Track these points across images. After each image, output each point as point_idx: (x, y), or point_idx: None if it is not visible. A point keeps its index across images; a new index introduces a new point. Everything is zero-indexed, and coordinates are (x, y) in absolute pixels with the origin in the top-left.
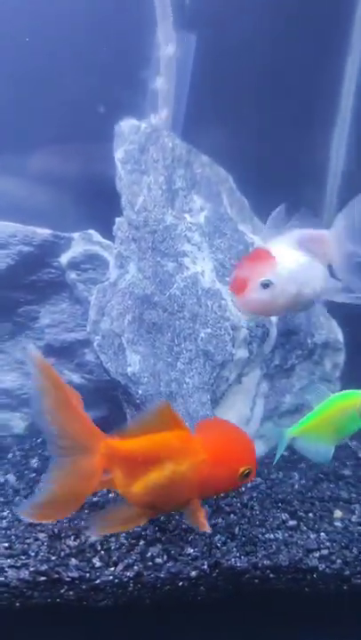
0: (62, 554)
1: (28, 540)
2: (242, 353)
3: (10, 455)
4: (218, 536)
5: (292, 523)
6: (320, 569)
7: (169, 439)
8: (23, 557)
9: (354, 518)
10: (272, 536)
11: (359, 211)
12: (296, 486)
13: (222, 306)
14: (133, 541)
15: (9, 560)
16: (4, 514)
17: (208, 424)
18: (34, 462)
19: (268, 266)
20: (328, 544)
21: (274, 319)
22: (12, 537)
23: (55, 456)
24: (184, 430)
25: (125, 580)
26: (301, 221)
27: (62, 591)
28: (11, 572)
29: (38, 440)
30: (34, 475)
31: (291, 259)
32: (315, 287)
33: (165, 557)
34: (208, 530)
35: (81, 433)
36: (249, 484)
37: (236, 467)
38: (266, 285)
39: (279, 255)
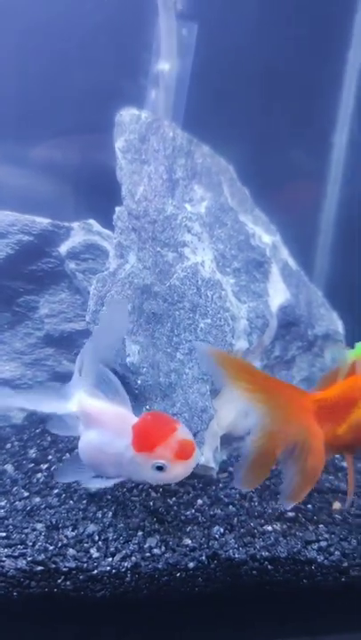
0: (60, 544)
1: (25, 530)
2: (242, 344)
3: (8, 445)
4: (216, 527)
5: (290, 514)
6: (318, 561)
7: (358, 381)
8: (20, 547)
9: (352, 510)
10: (270, 528)
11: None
12: None
13: (222, 296)
14: (131, 532)
15: (6, 549)
16: (2, 503)
17: None
18: (32, 452)
19: None
20: (327, 536)
21: (274, 310)
22: (10, 527)
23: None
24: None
25: (123, 570)
26: None
27: (59, 581)
28: (8, 562)
29: (37, 430)
30: (32, 465)
31: None
32: None
33: (163, 548)
34: None
35: (291, 396)
36: None
37: None
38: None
39: None
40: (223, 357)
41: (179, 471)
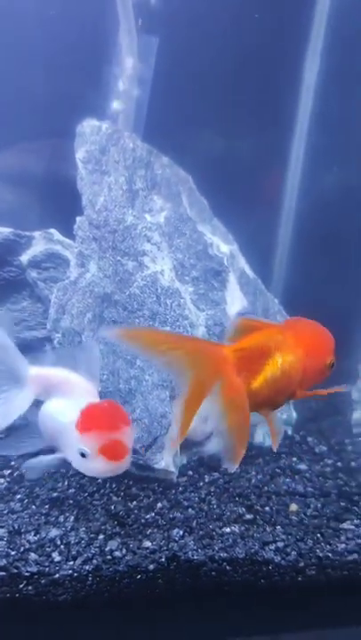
0: (22, 549)
1: None
2: None
3: None
4: (176, 530)
5: (248, 516)
6: (276, 561)
7: (274, 334)
8: None
9: (309, 512)
10: (229, 529)
11: None
12: (253, 481)
13: (181, 304)
14: (93, 535)
15: None
16: None
17: (294, 322)
18: None
19: None
20: (283, 537)
21: (232, 316)
22: None
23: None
24: (278, 327)
25: (84, 573)
26: None
27: (21, 586)
28: None
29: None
30: None
31: None
32: None
33: (124, 551)
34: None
35: (206, 351)
36: (207, 479)
37: (326, 358)
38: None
39: None
40: (131, 332)
41: (98, 466)
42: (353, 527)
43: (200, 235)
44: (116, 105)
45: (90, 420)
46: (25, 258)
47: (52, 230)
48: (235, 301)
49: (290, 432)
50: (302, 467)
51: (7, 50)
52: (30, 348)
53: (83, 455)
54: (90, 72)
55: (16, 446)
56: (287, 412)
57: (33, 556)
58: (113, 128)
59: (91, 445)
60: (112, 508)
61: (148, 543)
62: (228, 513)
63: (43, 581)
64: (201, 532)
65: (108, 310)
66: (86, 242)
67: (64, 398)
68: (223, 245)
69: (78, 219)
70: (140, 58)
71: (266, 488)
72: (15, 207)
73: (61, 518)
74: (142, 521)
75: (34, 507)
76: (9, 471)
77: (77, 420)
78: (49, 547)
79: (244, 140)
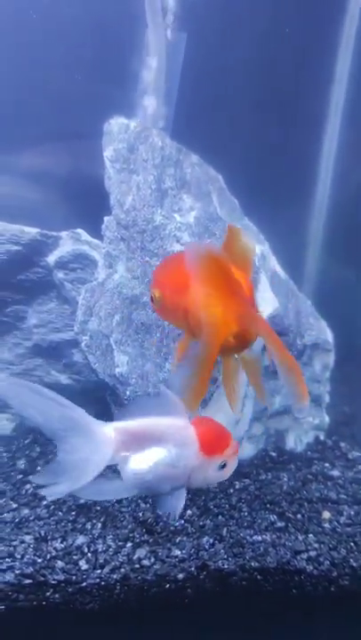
0: (48, 556)
1: (14, 543)
2: None
3: None
4: (206, 538)
5: (280, 524)
6: (308, 570)
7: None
8: (9, 560)
9: (342, 520)
10: (260, 538)
11: None
12: (285, 487)
13: None
14: (120, 543)
15: None
16: None
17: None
18: (21, 464)
19: None
20: (316, 545)
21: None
22: None
23: None
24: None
25: (112, 582)
26: None
27: (48, 594)
28: None
29: (26, 441)
30: (21, 476)
31: None
32: None
33: (153, 559)
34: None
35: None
36: (237, 486)
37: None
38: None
39: None
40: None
41: (233, 466)
42: None
43: None
44: (144, 102)
45: (217, 439)
46: (52, 258)
47: (80, 230)
48: (266, 303)
49: (322, 437)
50: (335, 473)
51: (34, 47)
52: (57, 351)
53: (223, 466)
54: (117, 69)
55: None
56: (320, 417)
57: (60, 563)
58: (141, 126)
59: (228, 455)
60: (140, 515)
61: (177, 551)
62: (260, 520)
63: (70, 589)
64: (231, 541)
65: (137, 312)
66: (114, 242)
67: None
68: (255, 245)
69: (106, 219)
70: (169, 54)
71: (298, 495)
72: (42, 207)
73: (88, 525)
74: (171, 528)
75: (60, 513)
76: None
77: (206, 448)
78: (76, 554)
79: (274, 137)
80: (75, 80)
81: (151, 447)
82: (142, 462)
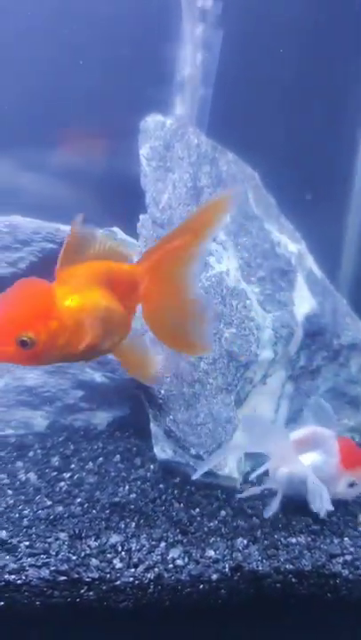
0: (83, 554)
1: (48, 539)
2: (267, 354)
3: (31, 453)
4: (240, 539)
5: (315, 527)
6: (344, 574)
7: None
8: (44, 556)
9: None
10: (295, 540)
11: None
12: None
13: (247, 305)
14: (154, 543)
15: (30, 559)
16: (25, 512)
17: None
18: (55, 461)
19: None
20: (352, 549)
21: (300, 319)
22: (33, 535)
23: None
24: None
25: (146, 581)
26: None
27: (82, 591)
28: (31, 571)
29: (60, 438)
30: (55, 473)
31: None
32: None
33: (186, 559)
34: None
35: None
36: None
37: None
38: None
39: None
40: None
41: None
42: None
43: (267, 233)
44: (179, 99)
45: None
46: None
47: (115, 229)
48: (303, 302)
49: (358, 439)
50: None
51: (68, 46)
52: None
53: (351, 485)
54: (153, 66)
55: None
56: (356, 419)
57: (94, 561)
58: (177, 123)
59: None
60: (174, 514)
61: (211, 552)
62: (294, 522)
63: (104, 587)
64: (266, 542)
65: None
66: (150, 241)
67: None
68: (291, 244)
69: (142, 217)
70: (205, 51)
71: (333, 497)
72: (77, 205)
73: (122, 524)
74: (205, 529)
75: (94, 511)
76: (69, 474)
77: (346, 461)
78: (110, 553)
79: (311, 135)
80: (111, 78)
81: (308, 452)
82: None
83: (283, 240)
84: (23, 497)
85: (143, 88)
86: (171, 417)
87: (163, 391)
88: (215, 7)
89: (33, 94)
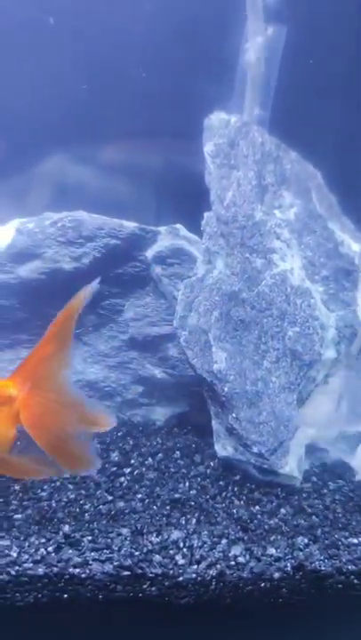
0: (145, 549)
1: (110, 535)
2: (330, 353)
3: None
4: (300, 537)
5: None
6: None
7: None
8: (107, 551)
9: None
10: (356, 540)
11: None
12: None
13: (311, 304)
14: (215, 540)
15: (93, 553)
16: (87, 507)
17: None
18: (114, 456)
19: None
20: None
21: None
22: (95, 530)
23: None
24: None
25: (208, 578)
26: None
27: (145, 586)
28: (95, 565)
29: (119, 434)
30: (115, 469)
31: None
32: None
33: (248, 557)
34: None
35: None
36: (331, 487)
37: None
38: None
39: None
40: None
41: None
42: None
43: (330, 232)
44: (243, 97)
45: None
46: (150, 253)
47: (178, 225)
48: None
49: None
50: None
51: (131, 42)
52: (153, 344)
53: None
54: (216, 63)
55: None
56: None
57: (157, 557)
58: (242, 121)
59: None
60: (235, 512)
61: (272, 550)
62: (355, 523)
63: (166, 583)
64: (326, 542)
65: (236, 309)
66: (214, 238)
67: None
68: (354, 244)
69: (206, 214)
70: (268, 48)
71: None
72: (141, 202)
73: (183, 520)
74: (266, 527)
75: (155, 507)
76: (129, 469)
77: None
78: (172, 549)
79: None
80: (175, 76)
81: None
82: None
83: (346, 239)
84: (84, 492)
85: (207, 86)
86: (233, 414)
87: (226, 388)
88: (279, 3)
89: (97, 93)
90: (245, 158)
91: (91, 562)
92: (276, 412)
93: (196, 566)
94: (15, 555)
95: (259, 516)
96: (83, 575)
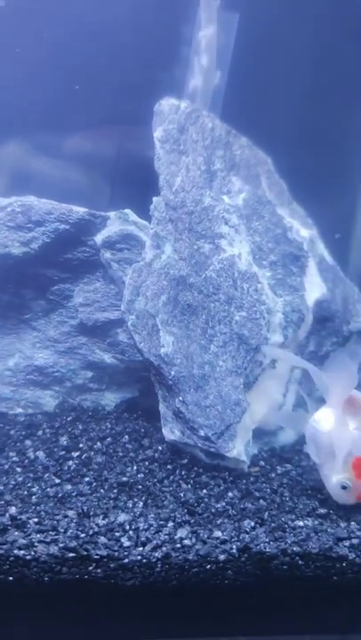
0: (91, 532)
1: (57, 517)
2: (277, 338)
3: (40, 432)
4: (247, 521)
5: (322, 510)
6: (350, 558)
7: None
8: (52, 533)
9: None
10: (302, 523)
11: None
12: None
13: (258, 289)
14: (162, 522)
15: (39, 535)
16: (34, 489)
17: None
18: (63, 440)
19: None
20: (359, 533)
21: (310, 304)
22: (42, 513)
23: None
24: None
25: (154, 560)
26: None
27: (90, 568)
28: (40, 547)
29: (68, 418)
30: (63, 452)
31: None
32: None
33: (194, 540)
34: None
35: None
36: (279, 471)
37: None
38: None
39: None
40: None
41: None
42: None
43: (279, 218)
44: (193, 83)
45: None
46: (99, 238)
47: (127, 211)
48: (314, 288)
49: None
50: None
51: (82, 30)
52: (102, 330)
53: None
54: (167, 49)
55: None
56: None
57: (102, 539)
58: (192, 107)
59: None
60: (182, 495)
61: (218, 533)
62: (301, 506)
63: (112, 565)
64: (273, 525)
65: (183, 293)
66: (162, 223)
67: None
68: (303, 230)
69: (155, 199)
70: (220, 35)
71: None
72: (90, 188)
73: (130, 503)
74: (212, 510)
75: (102, 490)
76: (77, 453)
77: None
78: (118, 531)
79: (324, 121)
80: (124, 63)
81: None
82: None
83: (295, 225)
84: (32, 475)
85: (156, 72)
86: (180, 398)
87: (173, 372)
88: None
89: (45, 81)
90: (195, 144)
91: (36, 544)
92: (222, 396)
93: (141, 548)
94: None
95: (206, 500)
96: (28, 557)
